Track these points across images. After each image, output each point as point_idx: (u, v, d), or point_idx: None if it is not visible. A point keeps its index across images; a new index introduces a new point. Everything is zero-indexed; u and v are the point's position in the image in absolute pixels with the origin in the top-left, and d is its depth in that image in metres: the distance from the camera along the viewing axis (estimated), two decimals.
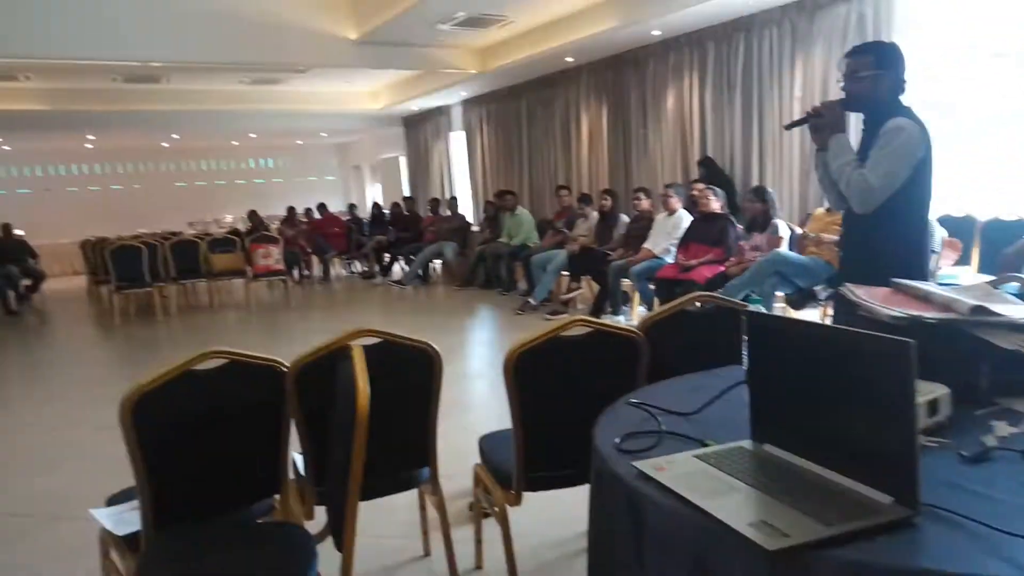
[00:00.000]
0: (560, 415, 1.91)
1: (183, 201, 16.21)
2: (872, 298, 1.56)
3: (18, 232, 10.78)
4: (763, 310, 1.72)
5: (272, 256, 8.68)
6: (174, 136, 14.49)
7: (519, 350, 1.86)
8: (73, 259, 12.95)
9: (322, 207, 11.99)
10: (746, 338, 1.42)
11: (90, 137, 13.95)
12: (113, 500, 2.00)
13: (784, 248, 5.15)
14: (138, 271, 8.10)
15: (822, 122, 2.55)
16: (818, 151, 2.63)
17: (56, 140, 13.96)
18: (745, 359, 1.45)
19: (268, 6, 7.67)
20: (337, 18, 8.07)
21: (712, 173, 7.03)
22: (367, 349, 1.83)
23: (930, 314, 1.43)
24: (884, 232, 2.45)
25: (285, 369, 1.86)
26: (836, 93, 6.21)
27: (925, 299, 1.53)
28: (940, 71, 6.12)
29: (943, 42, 5.89)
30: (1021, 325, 1.39)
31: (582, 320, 1.93)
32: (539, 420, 1.94)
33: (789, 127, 2.88)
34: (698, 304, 2.22)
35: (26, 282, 10.11)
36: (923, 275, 2.40)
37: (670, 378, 1.82)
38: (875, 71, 2.45)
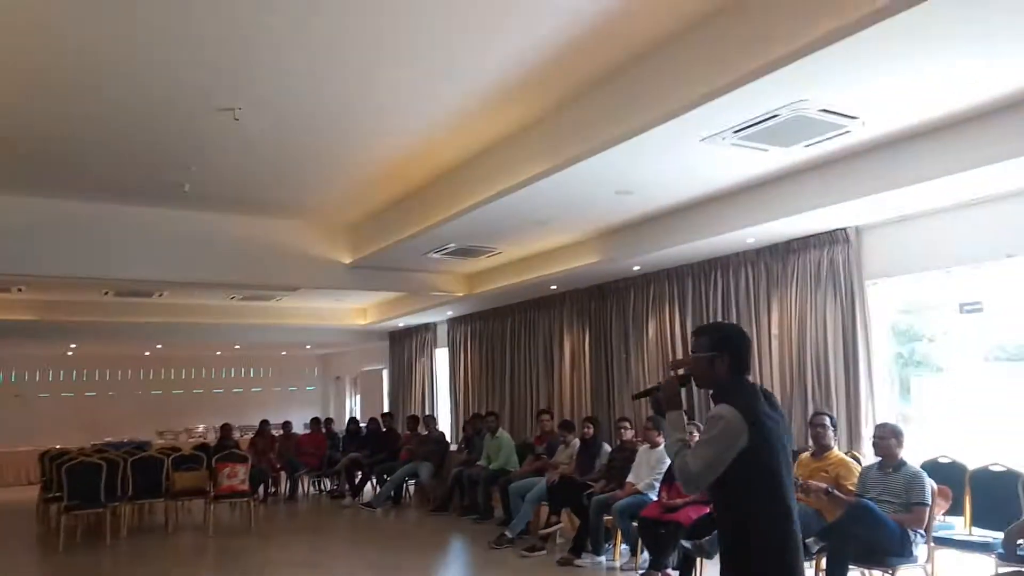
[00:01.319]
0: None
1: (157, 409, 15.78)
2: None
3: None
4: None
5: (238, 476, 8.26)
6: (157, 345, 14.52)
7: None
8: (31, 467, 12.31)
9: (315, 421, 11.70)
10: None
11: (72, 345, 13.93)
12: None
13: None
14: (94, 489, 7.59)
15: (660, 396, 2.61)
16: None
17: (36, 347, 13.90)
18: None
19: (269, 233, 8.03)
20: (333, 245, 8.44)
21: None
22: None
23: None
24: (727, 516, 2.47)
25: None
26: (813, 333, 6.37)
27: None
28: (911, 320, 6.34)
29: (914, 291, 6.14)
30: None
31: None
32: None
33: (635, 397, 3.23)
34: None
35: None
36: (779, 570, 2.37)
37: None
38: (709, 352, 2.52)
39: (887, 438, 4.37)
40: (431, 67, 4.50)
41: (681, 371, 2.65)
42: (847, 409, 6.02)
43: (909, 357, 6.35)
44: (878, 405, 5.95)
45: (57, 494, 7.93)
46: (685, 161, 5.10)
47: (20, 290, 9.31)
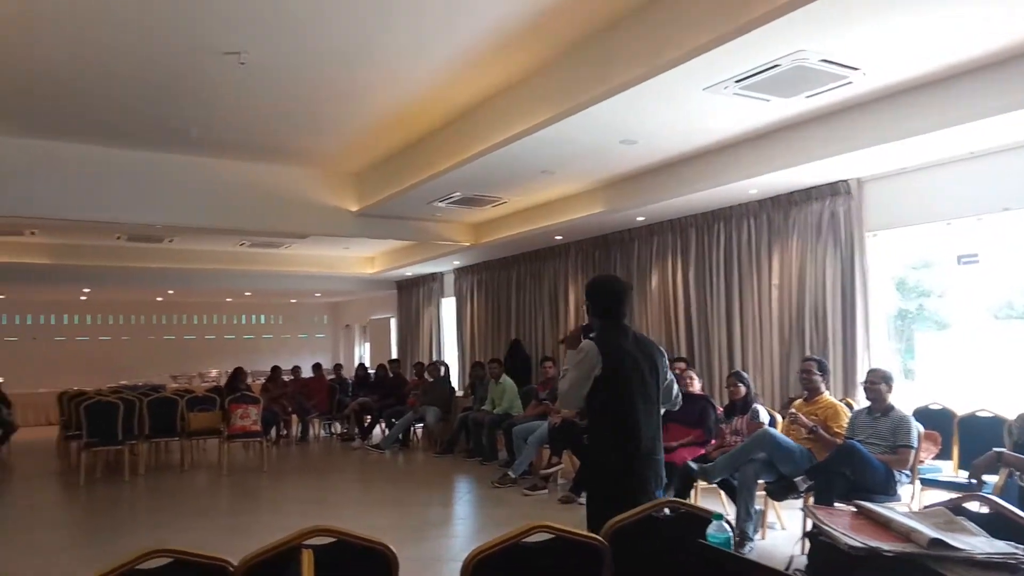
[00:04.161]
0: None
1: (170, 354, 16.18)
2: (834, 521, 1.54)
3: None
4: (727, 525, 1.70)
5: (250, 417, 8.52)
6: (169, 291, 14.75)
7: (475, 557, 1.80)
8: (49, 409, 12.69)
9: (317, 367, 12.00)
10: None
11: (86, 290, 14.18)
12: None
13: None
14: (111, 428, 7.89)
15: (568, 339, 3.22)
16: None
17: (51, 291, 14.18)
18: None
19: (276, 179, 8.11)
20: (340, 192, 8.52)
21: (515, 356, 7.36)
22: (319, 550, 1.77)
23: (888, 545, 1.41)
24: (591, 429, 3.12)
25: (232, 569, 1.78)
26: (812, 283, 6.46)
27: (886, 526, 1.51)
28: (920, 276, 6.41)
29: (918, 246, 6.20)
30: (980, 561, 1.36)
31: (544, 526, 1.88)
32: None
33: (560, 343, 3.72)
34: (666, 511, 2.17)
35: None
36: (617, 470, 2.95)
37: None
38: (586, 303, 3.19)
39: (878, 383, 4.50)
40: (437, 14, 4.52)
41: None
42: (843, 358, 6.16)
43: (918, 313, 6.44)
44: (874, 354, 6.08)
45: (76, 432, 8.21)
46: (688, 111, 5.13)
47: (33, 233, 9.47)
